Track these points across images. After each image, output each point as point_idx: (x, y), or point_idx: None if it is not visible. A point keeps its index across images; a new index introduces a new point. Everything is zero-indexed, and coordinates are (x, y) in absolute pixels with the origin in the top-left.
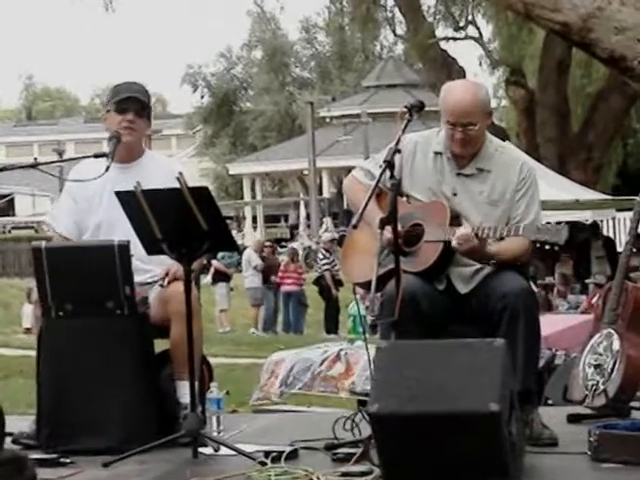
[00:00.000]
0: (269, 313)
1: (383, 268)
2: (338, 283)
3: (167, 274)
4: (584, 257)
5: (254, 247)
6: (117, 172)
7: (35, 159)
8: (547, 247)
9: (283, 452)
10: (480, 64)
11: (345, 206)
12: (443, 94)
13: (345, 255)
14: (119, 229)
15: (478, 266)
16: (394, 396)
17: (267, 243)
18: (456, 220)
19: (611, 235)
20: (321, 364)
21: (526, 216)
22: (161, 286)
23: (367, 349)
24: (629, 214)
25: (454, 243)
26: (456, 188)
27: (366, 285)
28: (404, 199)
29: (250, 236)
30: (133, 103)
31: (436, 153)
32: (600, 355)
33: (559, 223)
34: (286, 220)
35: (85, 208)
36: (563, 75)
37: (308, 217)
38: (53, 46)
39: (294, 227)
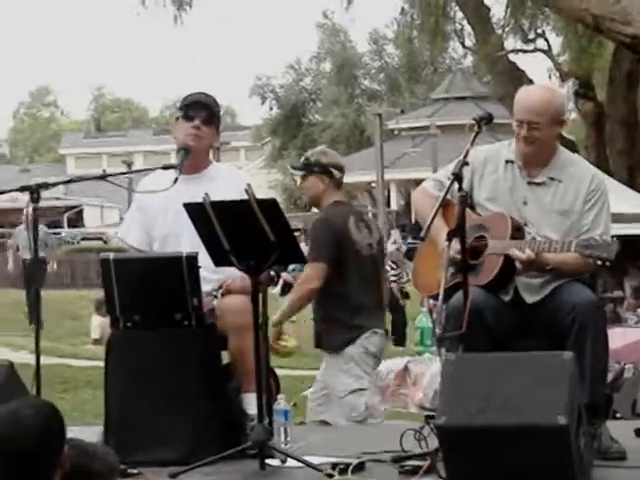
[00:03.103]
0: None
1: (450, 281)
2: (405, 295)
3: (221, 287)
4: None
5: None
6: (184, 183)
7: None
8: (599, 262)
9: (350, 464)
10: (549, 77)
11: (413, 218)
12: (517, 95)
13: (416, 267)
14: (186, 240)
15: (547, 277)
16: (461, 409)
17: None
18: (518, 232)
19: None
20: (387, 377)
21: (594, 228)
22: (214, 297)
23: (438, 361)
24: None
25: (517, 265)
26: (527, 197)
27: (436, 297)
28: (470, 211)
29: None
30: (200, 110)
31: (507, 162)
32: None
33: (621, 237)
34: None
35: (154, 219)
36: (632, 88)
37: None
38: (123, 57)
39: None
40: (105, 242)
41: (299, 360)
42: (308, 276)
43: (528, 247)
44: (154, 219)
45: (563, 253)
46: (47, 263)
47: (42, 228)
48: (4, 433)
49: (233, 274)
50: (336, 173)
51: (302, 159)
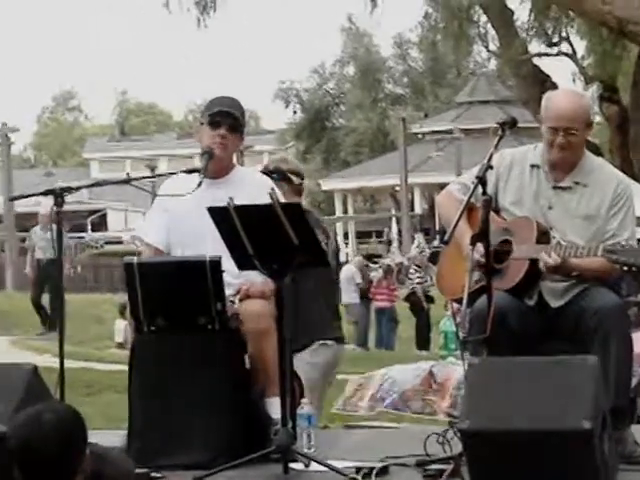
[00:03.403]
0: (363, 329)
1: (474, 285)
2: (429, 299)
3: (239, 291)
4: None
5: (356, 265)
6: (207, 187)
7: (128, 175)
8: (625, 268)
9: (374, 468)
10: (573, 80)
11: (437, 222)
12: (545, 101)
13: (439, 271)
14: (209, 244)
15: (571, 282)
16: (485, 413)
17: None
18: (544, 236)
19: None
20: (413, 381)
21: (620, 233)
22: (232, 302)
23: (462, 365)
24: None
25: (541, 266)
26: (552, 201)
27: (460, 301)
28: (495, 214)
29: (341, 252)
30: (226, 118)
31: (533, 166)
32: None
33: None
34: (377, 236)
35: (176, 223)
36: None
37: (400, 233)
38: (147, 62)
39: (390, 243)
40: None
41: None
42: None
43: (554, 252)
44: (177, 223)
45: (589, 258)
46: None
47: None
48: (26, 437)
49: (255, 279)
50: (295, 180)
51: (262, 167)
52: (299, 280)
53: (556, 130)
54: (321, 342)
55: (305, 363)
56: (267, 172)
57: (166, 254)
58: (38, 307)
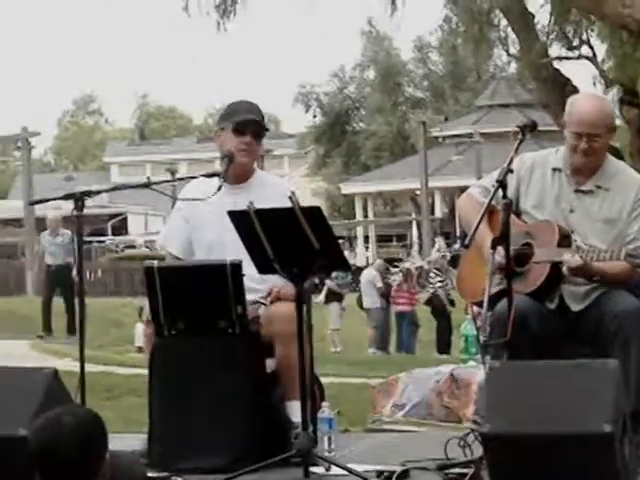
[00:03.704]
0: (383, 333)
1: (495, 288)
2: (451, 303)
3: (269, 294)
4: None
5: (377, 268)
6: (228, 192)
7: (148, 178)
8: None
9: (395, 472)
10: (594, 84)
11: (457, 226)
12: (569, 106)
13: (460, 274)
14: (230, 249)
15: (592, 285)
16: (506, 416)
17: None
18: (566, 240)
19: None
20: (435, 386)
21: None
22: (263, 305)
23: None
24: None
25: (564, 270)
26: (573, 205)
27: (481, 304)
28: (516, 218)
29: (362, 256)
30: (252, 125)
31: (554, 169)
32: None
33: None
34: (398, 240)
35: (196, 227)
36: None
37: (420, 237)
38: (167, 65)
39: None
40: (150, 250)
41: (344, 367)
42: None
43: (577, 255)
44: (198, 227)
45: (611, 262)
46: (73, 269)
47: (67, 233)
48: (45, 441)
49: (277, 284)
50: None
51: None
52: None
53: (579, 135)
54: None
55: None
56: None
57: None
58: (48, 312)
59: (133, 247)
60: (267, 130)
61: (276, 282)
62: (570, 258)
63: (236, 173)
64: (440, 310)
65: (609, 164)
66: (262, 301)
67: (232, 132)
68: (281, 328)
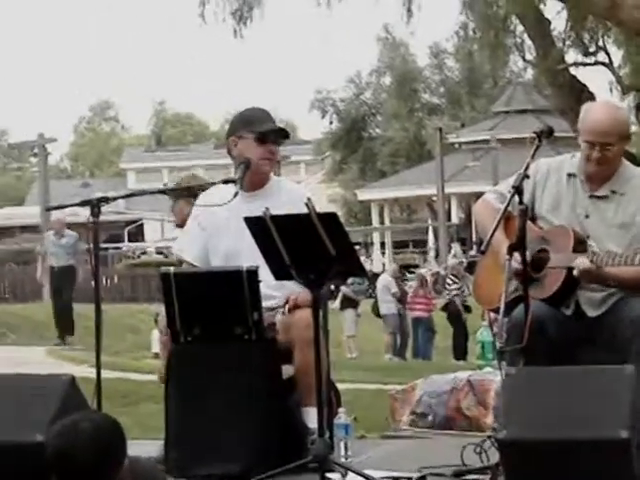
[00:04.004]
0: (400, 339)
1: (511, 294)
2: (466, 309)
3: (288, 301)
4: None
5: (391, 274)
6: (244, 198)
7: (164, 185)
8: None
9: (411, 478)
10: (610, 90)
11: (474, 232)
12: (583, 114)
13: (476, 280)
14: (246, 255)
15: (609, 291)
16: (522, 422)
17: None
18: (581, 245)
19: None
20: (451, 393)
21: None
22: (283, 313)
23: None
24: None
25: (575, 273)
26: (588, 210)
27: (497, 311)
28: (532, 223)
29: (378, 262)
30: (275, 134)
31: (569, 175)
32: None
33: None
34: (414, 246)
35: (213, 234)
36: None
37: (436, 243)
38: (183, 72)
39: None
40: (166, 256)
41: (360, 373)
42: None
43: (591, 259)
44: (215, 234)
45: (625, 267)
46: (77, 270)
47: (71, 234)
48: (62, 446)
49: (293, 290)
50: None
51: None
52: None
53: (592, 144)
54: None
55: None
56: (176, 189)
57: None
58: (57, 315)
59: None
60: (288, 137)
61: (292, 289)
62: (580, 262)
63: (253, 180)
64: (456, 316)
65: (625, 169)
66: (282, 310)
67: (255, 141)
68: (299, 334)
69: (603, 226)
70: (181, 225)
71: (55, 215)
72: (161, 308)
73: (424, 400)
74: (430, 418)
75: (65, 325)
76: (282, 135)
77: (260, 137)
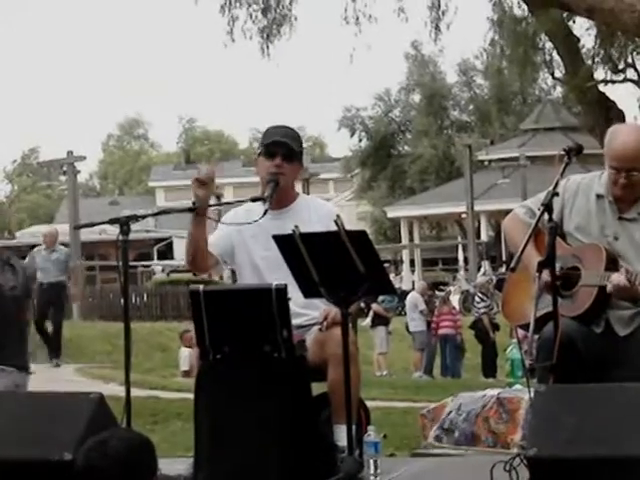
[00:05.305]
0: (428, 357)
1: (541, 311)
2: (495, 327)
3: (326, 317)
4: None
5: (420, 291)
6: (272, 219)
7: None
8: None
9: None
10: (639, 107)
11: (503, 249)
12: (608, 138)
13: (505, 297)
14: (275, 273)
15: (638, 309)
16: (552, 440)
17: None
18: (613, 264)
19: None
20: (481, 410)
21: None
22: (320, 329)
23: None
24: None
25: (609, 288)
26: (618, 232)
27: (526, 327)
28: (561, 240)
29: (408, 280)
30: (281, 147)
31: (598, 196)
32: None
33: None
34: (444, 263)
35: (241, 251)
36: None
37: (466, 261)
38: (213, 90)
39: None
40: (195, 274)
41: (390, 391)
42: None
43: (627, 277)
44: (242, 252)
45: None
46: (67, 287)
47: (63, 249)
48: (91, 463)
49: (321, 307)
50: None
51: None
52: None
53: (618, 171)
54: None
55: None
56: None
57: (216, 257)
58: (41, 333)
59: (180, 271)
60: (299, 152)
61: (319, 305)
62: (616, 277)
63: (278, 197)
64: (484, 334)
65: None
66: (312, 326)
67: (263, 156)
68: (333, 351)
69: (632, 248)
70: None
71: (47, 228)
72: (190, 326)
73: (452, 417)
74: (456, 435)
75: (55, 345)
76: (286, 148)
77: (265, 151)
